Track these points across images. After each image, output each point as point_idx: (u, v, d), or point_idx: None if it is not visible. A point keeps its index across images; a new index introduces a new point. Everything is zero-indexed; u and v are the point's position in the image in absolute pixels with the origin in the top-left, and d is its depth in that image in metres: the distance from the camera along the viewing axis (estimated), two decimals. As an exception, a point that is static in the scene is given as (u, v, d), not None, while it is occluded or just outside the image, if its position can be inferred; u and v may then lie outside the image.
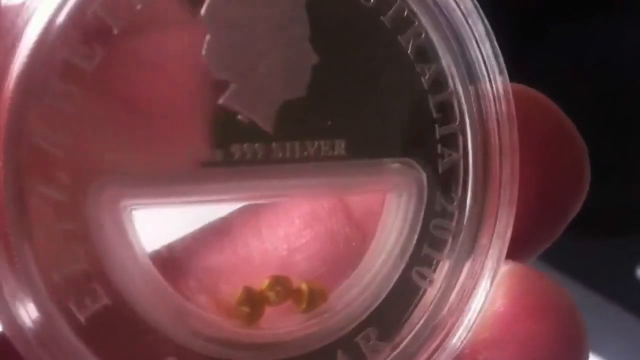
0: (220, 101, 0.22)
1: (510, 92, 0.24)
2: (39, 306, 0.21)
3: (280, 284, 0.24)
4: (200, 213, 0.24)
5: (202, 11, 0.22)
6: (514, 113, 0.24)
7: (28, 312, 0.21)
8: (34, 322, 0.21)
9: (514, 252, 0.25)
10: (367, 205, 0.25)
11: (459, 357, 0.25)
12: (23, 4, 0.20)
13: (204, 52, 0.22)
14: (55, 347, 0.21)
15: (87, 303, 0.21)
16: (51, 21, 0.20)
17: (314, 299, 0.24)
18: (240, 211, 0.26)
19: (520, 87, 0.26)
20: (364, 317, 0.24)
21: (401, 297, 0.25)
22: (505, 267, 0.25)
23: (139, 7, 0.21)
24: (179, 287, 0.24)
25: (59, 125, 0.20)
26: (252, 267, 0.25)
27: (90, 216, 0.21)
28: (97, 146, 0.21)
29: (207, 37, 0.22)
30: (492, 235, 0.25)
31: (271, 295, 0.23)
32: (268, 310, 0.24)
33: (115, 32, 0.21)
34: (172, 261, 0.24)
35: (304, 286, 0.24)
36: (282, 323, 0.24)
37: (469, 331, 0.25)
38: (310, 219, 0.26)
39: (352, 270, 0.25)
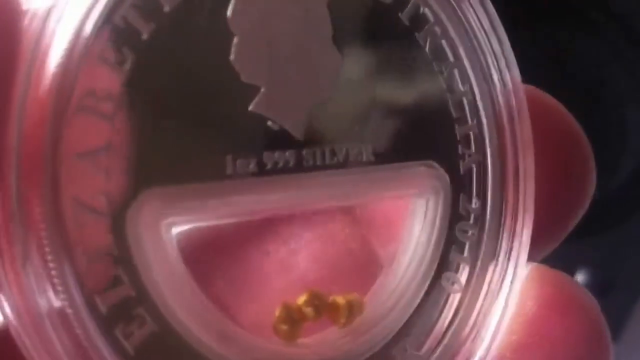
0: (251, 107, 0.21)
1: (522, 88, 0.24)
2: (87, 334, 0.19)
3: (318, 298, 0.22)
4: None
5: (229, 14, 0.21)
6: (527, 110, 0.24)
7: (74, 342, 0.19)
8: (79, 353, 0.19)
9: (530, 252, 0.25)
10: (389, 211, 0.25)
11: None
12: (49, 10, 0.19)
13: (232, 57, 0.21)
14: None
15: (133, 330, 0.19)
16: (81, 28, 0.19)
17: (352, 312, 0.23)
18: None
19: (529, 87, 0.26)
20: (399, 327, 0.23)
21: (432, 304, 0.24)
22: (528, 269, 0.25)
23: (166, 9, 0.20)
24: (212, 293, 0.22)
25: (98, 138, 0.19)
26: (286, 280, 0.24)
27: (131, 236, 0.19)
28: (134, 161, 0.19)
29: (235, 40, 0.21)
30: (513, 236, 0.25)
31: (308, 311, 0.22)
32: (305, 325, 0.22)
33: (145, 36, 0.19)
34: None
35: (340, 300, 0.23)
36: (319, 339, 0.23)
37: (498, 334, 0.24)
38: (332, 231, 0.25)
39: (380, 279, 0.24)
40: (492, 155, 0.24)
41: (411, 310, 0.24)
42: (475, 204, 0.24)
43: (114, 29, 0.19)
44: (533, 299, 0.24)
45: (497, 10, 0.24)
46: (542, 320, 0.24)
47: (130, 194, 0.19)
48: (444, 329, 0.24)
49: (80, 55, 0.19)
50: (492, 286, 0.24)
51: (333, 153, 0.22)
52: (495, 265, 0.25)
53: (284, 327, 0.22)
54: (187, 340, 0.20)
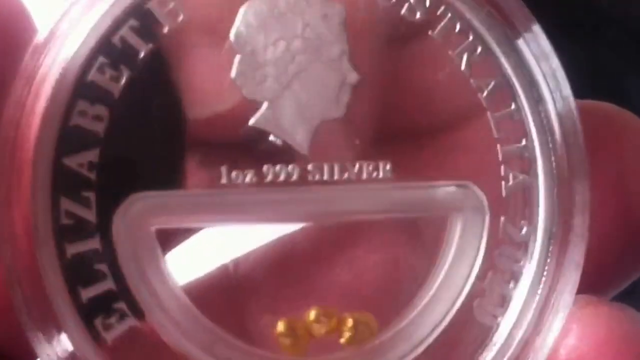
0: (251, 122, 0.22)
1: (578, 111, 0.22)
2: (67, 325, 0.21)
3: (327, 315, 0.22)
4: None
5: (232, 34, 0.22)
6: (582, 133, 0.22)
7: (56, 331, 0.21)
8: (61, 341, 0.21)
9: (592, 285, 0.23)
10: (431, 231, 0.23)
11: None
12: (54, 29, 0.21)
13: (233, 74, 0.22)
14: None
15: (113, 323, 0.21)
16: (81, 44, 0.21)
17: (359, 333, 0.22)
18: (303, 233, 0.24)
19: (607, 105, 0.24)
20: (415, 354, 0.22)
21: (460, 333, 0.22)
22: (582, 302, 0.22)
23: (165, 30, 0.21)
24: (241, 307, 0.23)
25: (88, 146, 0.21)
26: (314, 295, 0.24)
27: (117, 236, 0.21)
28: (124, 166, 0.21)
29: (237, 57, 0.22)
30: (564, 266, 0.22)
31: (315, 327, 0.22)
32: (314, 342, 0.22)
33: (142, 55, 0.21)
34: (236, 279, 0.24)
35: (349, 319, 0.22)
36: (325, 356, 0.22)
37: None
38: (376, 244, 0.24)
39: (409, 301, 0.23)
40: (544, 178, 0.22)
41: (432, 337, 0.22)
42: (522, 229, 0.22)
43: (112, 47, 0.21)
44: (583, 337, 0.22)
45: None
46: None
47: (120, 196, 0.21)
48: None
49: (80, 69, 0.21)
50: (538, 320, 0.22)
51: (344, 168, 0.22)
52: (543, 297, 0.22)
53: (287, 340, 0.22)
54: (168, 339, 0.21)
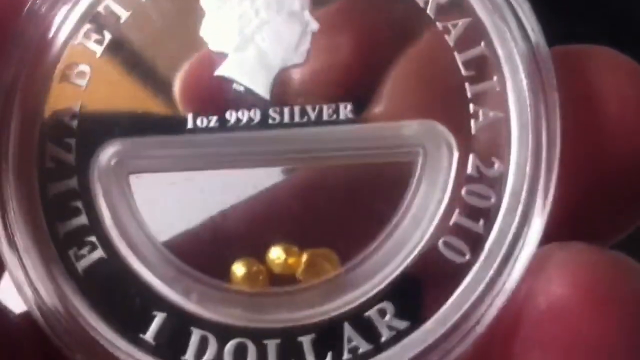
0: (217, 72, 0.23)
1: (548, 51, 0.22)
2: (44, 255, 0.23)
3: (287, 252, 0.23)
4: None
5: None
6: (554, 71, 0.22)
7: (35, 262, 0.23)
8: (37, 270, 0.23)
9: (584, 231, 0.21)
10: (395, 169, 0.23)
11: (489, 351, 0.21)
12: None
13: (201, 31, 0.24)
14: (56, 294, 0.23)
15: (84, 254, 0.23)
16: (69, 12, 0.24)
17: (318, 268, 0.22)
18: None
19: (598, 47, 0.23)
20: (377, 290, 0.22)
21: (426, 271, 0.22)
22: (569, 248, 0.21)
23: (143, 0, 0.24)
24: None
25: (73, 98, 0.24)
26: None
27: (93, 178, 0.23)
28: (102, 116, 0.23)
29: (205, 15, 0.24)
30: (535, 202, 0.21)
31: (274, 263, 0.23)
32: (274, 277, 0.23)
33: (122, 20, 0.24)
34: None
35: (305, 255, 0.22)
36: (290, 293, 0.23)
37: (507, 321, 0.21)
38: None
39: (372, 239, 0.22)
40: (517, 115, 0.22)
41: (395, 274, 0.22)
42: (493, 165, 0.22)
43: (96, 15, 0.24)
44: (565, 286, 0.20)
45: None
46: (570, 315, 0.20)
47: (97, 142, 0.23)
48: (440, 300, 0.21)
49: (68, 34, 0.24)
50: (508, 260, 0.21)
51: (304, 112, 0.23)
52: (515, 235, 0.21)
53: (243, 275, 0.23)
54: (135, 271, 0.23)
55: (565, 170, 0.21)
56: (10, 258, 0.23)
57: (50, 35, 0.24)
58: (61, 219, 0.23)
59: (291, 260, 0.22)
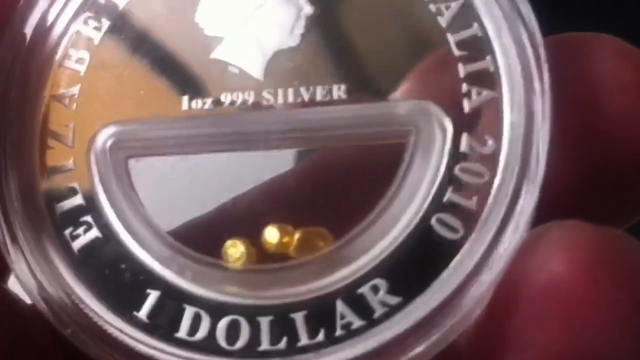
0: (212, 55, 0.24)
1: (540, 34, 0.22)
2: (41, 235, 0.23)
3: (281, 230, 0.23)
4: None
5: None
6: (544, 52, 0.22)
7: (33, 242, 0.23)
8: (32, 249, 0.23)
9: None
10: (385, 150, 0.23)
11: (487, 329, 0.21)
12: None
13: (196, 17, 0.24)
14: (51, 272, 0.23)
15: (80, 234, 0.23)
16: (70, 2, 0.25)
17: (310, 245, 0.22)
18: None
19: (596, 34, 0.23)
20: (370, 267, 0.22)
21: (419, 248, 0.22)
22: (567, 226, 0.21)
23: None
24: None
25: (72, 83, 0.24)
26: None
27: (90, 160, 0.23)
28: (100, 100, 0.24)
29: (200, 1, 0.24)
30: (527, 178, 0.22)
31: (267, 241, 0.23)
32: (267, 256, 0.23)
33: (120, 8, 0.24)
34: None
35: (297, 233, 0.22)
36: (282, 271, 0.23)
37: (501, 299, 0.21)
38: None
39: (365, 217, 0.22)
40: (510, 94, 0.22)
41: (389, 251, 0.22)
42: (486, 143, 0.22)
43: (95, 1, 0.25)
44: (560, 262, 0.20)
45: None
46: (569, 292, 0.20)
47: (95, 125, 0.24)
48: (433, 277, 0.21)
49: (67, 21, 0.25)
50: (502, 237, 0.21)
51: (298, 93, 0.23)
52: (508, 212, 0.21)
53: (237, 255, 0.23)
54: (130, 250, 0.23)
55: (565, 154, 0.22)
56: (8, 237, 0.23)
57: (50, 21, 0.25)
58: (58, 199, 0.23)
59: (285, 239, 0.23)
